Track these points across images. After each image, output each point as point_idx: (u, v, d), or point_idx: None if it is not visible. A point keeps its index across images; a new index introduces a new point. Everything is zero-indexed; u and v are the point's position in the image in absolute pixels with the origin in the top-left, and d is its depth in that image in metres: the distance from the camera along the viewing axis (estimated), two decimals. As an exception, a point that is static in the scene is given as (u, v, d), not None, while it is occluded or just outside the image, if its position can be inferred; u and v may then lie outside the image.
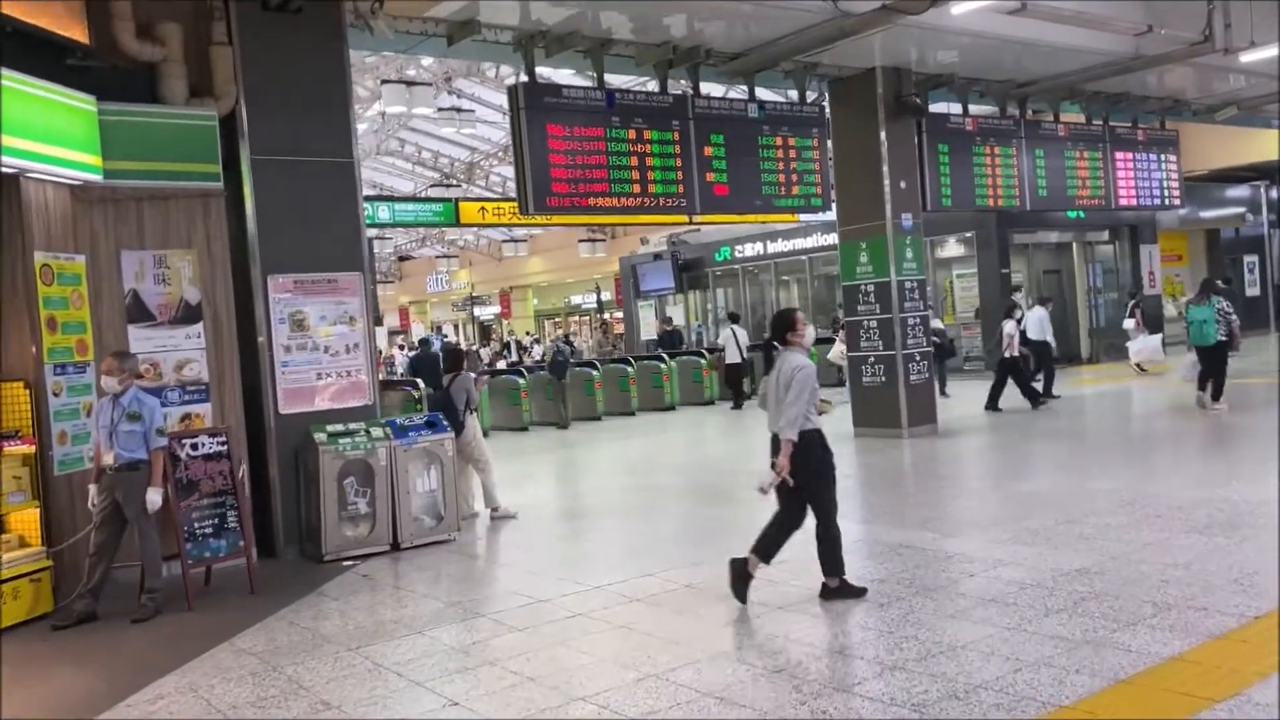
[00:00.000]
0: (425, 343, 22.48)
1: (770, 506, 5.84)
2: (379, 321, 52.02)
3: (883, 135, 12.15)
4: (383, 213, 15.51)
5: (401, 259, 55.05)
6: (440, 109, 27.48)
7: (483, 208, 16.35)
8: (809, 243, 23.78)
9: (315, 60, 8.21)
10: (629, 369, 17.99)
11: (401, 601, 6.56)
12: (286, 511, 7.97)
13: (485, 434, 16.43)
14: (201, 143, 7.65)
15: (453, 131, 29.57)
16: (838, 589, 5.70)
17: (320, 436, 7.75)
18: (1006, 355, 14.11)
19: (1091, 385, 17.26)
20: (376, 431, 7.99)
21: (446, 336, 39.47)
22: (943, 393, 15.33)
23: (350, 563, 7.66)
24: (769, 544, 5.76)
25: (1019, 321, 14.49)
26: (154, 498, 6.45)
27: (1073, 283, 22.03)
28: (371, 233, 42.89)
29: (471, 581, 7.16)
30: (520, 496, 10.08)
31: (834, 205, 12.43)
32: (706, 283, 27.14)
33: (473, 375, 9.29)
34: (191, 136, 7.61)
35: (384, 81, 24.36)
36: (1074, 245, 21.99)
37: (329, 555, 7.69)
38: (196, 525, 6.88)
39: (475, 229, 38.60)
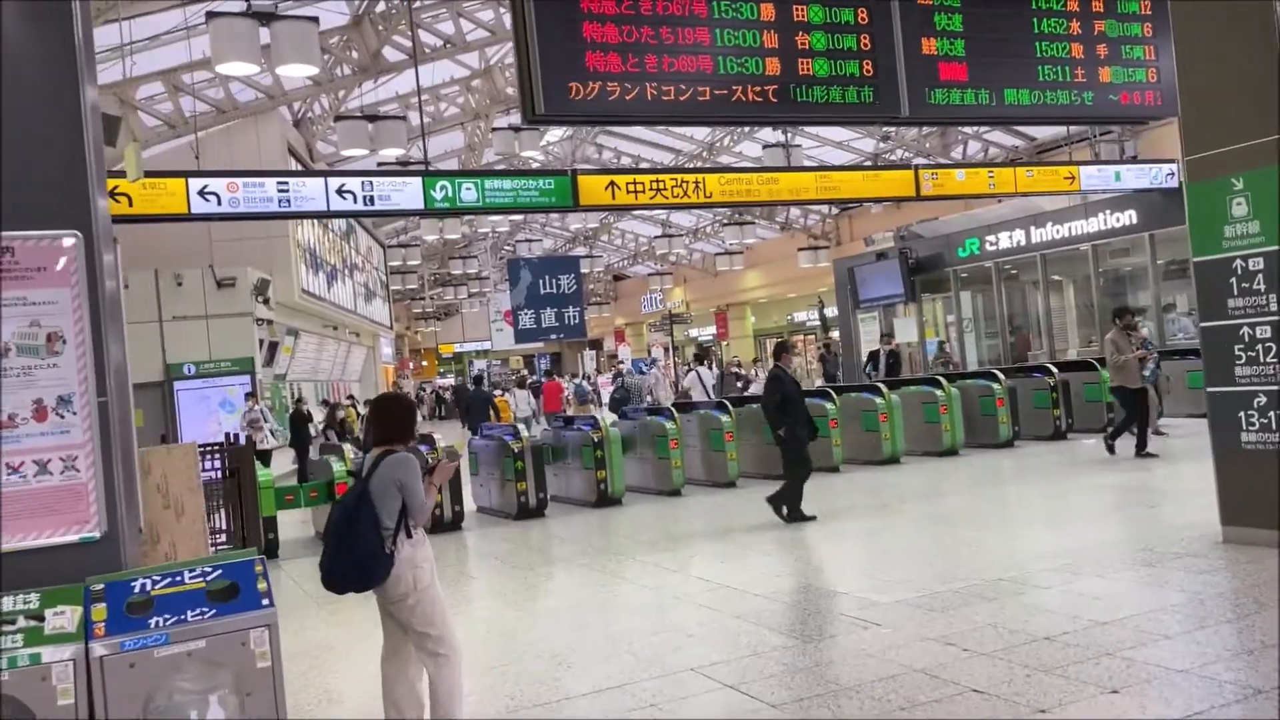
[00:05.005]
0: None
1: None
2: (594, 345, 48.47)
3: (1277, -29, 6.35)
4: (468, 193, 11.04)
5: (616, 278, 51.56)
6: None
7: (611, 182, 11.55)
8: (1091, 226, 17.41)
9: None
10: (829, 406, 12.58)
11: None
12: None
13: (618, 499, 11.56)
14: None
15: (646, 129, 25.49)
16: None
17: (-108, 638, 3.10)
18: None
19: None
20: (60, 617, 3.23)
21: (653, 363, 34.84)
22: None
23: None
24: None
25: None
26: None
27: None
28: (579, 251, 39.05)
29: None
30: (563, 677, 5.08)
31: (1177, 110, 6.69)
32: (947, 286, 21.12)
33: (411, 457, 4.35)
34: None
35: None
36: None
37: None
38: None
39: (600, 214, 34.21)
